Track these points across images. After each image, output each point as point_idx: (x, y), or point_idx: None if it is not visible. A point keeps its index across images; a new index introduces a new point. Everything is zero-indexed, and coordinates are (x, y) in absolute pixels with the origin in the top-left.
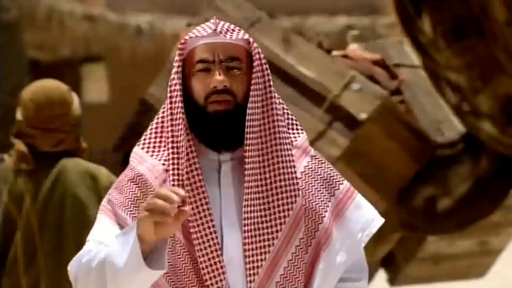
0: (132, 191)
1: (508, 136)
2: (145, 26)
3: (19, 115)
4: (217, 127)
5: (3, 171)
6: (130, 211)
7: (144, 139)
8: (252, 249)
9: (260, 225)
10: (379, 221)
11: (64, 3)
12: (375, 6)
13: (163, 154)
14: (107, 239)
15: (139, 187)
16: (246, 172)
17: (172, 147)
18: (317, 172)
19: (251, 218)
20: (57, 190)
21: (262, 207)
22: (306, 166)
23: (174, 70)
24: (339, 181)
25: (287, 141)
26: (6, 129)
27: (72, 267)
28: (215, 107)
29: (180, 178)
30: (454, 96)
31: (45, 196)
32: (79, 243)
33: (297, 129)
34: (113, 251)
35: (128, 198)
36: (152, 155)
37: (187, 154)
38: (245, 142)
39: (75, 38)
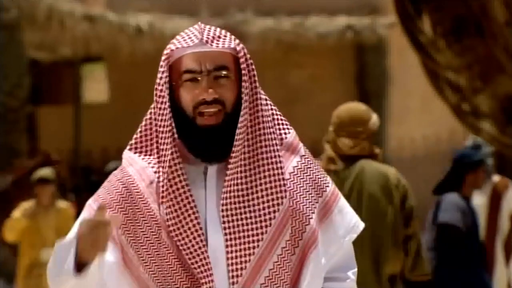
0: (118, 191)
1: (508, 136)
2: (145, 26)
3: (330, 127)
4: (206, 142)
5: None
6: (114, 212)
7: (135, 142)
8: (236, 251)
9: (244, 227)
10: (361, 225)
11: (64, 3)
12: (375, 6)
13: (152, 158)
14: None
15: (125, 187)
16: (226, 178)
17: (158, 152)
18: (306, 173)
19: (232, 221)
20: (356, 186)
21: (245, 209)
22: (295, 166)
23: (160, 75)
24: (325, 183)
25: (274, 142)
26: (6, 128)
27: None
28: (204, 121)
29: (167, 182)
30: (454, 96)
31: (348, 191)
32: (374, 229)
33: (286, 126)
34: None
35: (113, 199)
36: (143, 158)
37: (170, 161)
38: (232, 149)
39: (75, 38)
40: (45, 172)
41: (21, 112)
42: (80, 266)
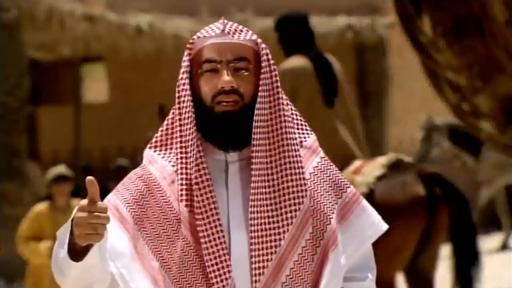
0: (137, 188)
1: (508, 136)
2: (145, 26)
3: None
4: (224, 127)
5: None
6: (132, 207)
7: (155, 141)
8: (259, 249)
9: (267, 226)
10: (383, 226)
11: (64, 3)
12: (375, 6)
13: (173, 155)
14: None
15: (146, 185)
16: (252, 173)
17: (181, 147)
18: (325, 173)
19: (258, 218)
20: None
21: (269, 207)
22: (315, 167)
23: (182, 69)
24: (346, 184)
25: (295, 141)
26: (6, 128)
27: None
28: (222, 108)
29: (188, 177)
30: (454, 96)
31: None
32: None
33: (306, 130)
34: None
35: (132, 195)
36: (163, 157)
37: (195, 154)
38: (252, 142)
39: (75, 38)
40: (61, 169)
41: (21, 112)
42: (79, 251)
